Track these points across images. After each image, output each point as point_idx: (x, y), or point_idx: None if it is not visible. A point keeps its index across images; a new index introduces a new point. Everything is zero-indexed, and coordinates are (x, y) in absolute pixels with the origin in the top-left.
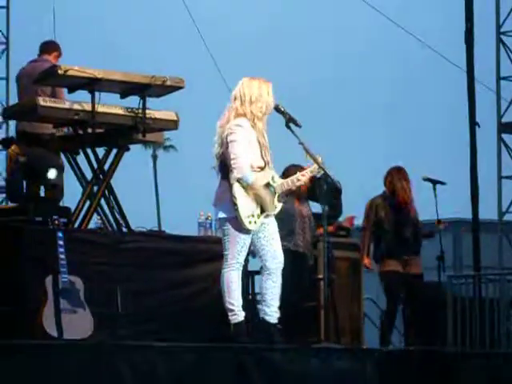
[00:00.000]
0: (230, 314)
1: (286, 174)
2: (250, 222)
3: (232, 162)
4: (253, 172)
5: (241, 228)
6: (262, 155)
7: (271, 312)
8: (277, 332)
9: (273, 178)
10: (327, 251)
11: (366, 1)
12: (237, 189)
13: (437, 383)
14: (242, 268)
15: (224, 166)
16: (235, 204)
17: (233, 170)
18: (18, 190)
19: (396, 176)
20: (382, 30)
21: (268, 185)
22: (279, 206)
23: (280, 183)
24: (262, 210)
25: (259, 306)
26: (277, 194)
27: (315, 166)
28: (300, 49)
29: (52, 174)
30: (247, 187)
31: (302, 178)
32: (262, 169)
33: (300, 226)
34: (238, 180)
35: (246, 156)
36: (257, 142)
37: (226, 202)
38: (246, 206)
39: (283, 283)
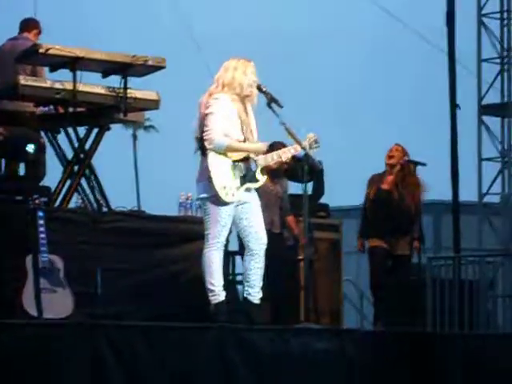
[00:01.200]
0: (210, 294)
1: (271, 150)
2: (226, 194)
3: (204, 134)
4: (227, 138)
5: (220, 206)
6: (242, 131)
7: (254, 292)
8: (259, 313)
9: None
10: (308, 232)
11: None
12: (211, 160)
13: (416, 364)
14: (223, 248)
15: (203, 144)
16: (209, 176)
17: (204, 141)
18: None
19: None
20: (361, 11)
21: (248, 158)
22: (263, 178)
23: (263, 156)
24: (243, 183)
25: (242, 287)
26: (259, 167)
27: (296, 145)
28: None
29: (30, 148)
30: (226, 152)
31: (283, 155)
32: (241, 142)
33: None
34: (213, 150)
35: (220, 126)
36: (238, 118)
37: (205, 181)
38: (221, 177)
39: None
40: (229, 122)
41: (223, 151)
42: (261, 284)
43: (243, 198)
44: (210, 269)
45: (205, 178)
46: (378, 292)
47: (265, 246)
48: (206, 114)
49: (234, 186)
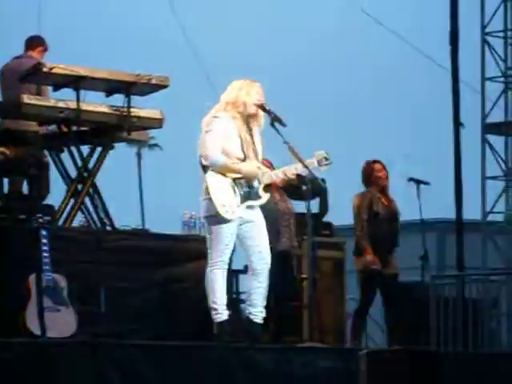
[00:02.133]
0: (213, 312)
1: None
2: (226, 212)
3: (201, 151)
4: (223, 156)
5: (222, 225)
6: (242, 149)
7: (256, 312)
8: (261, 332)
9: (259, 168)
10: (312, 251)
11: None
12: (210, 178)
13: (421, 383)
14: (226, 267)
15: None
16: (209, 194)
17: (201, 159)
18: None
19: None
20: (365, 30)
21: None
22: (265, 196)
23: (267, 174)
24: (244, 200)
25: (245, 306)
26: (262, 185)
27: (300, 164)
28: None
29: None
30: (221, 171)
31: (288, 172)
32: (241, 161)
33: (285, 223)
34: (210, 168)
35: (217, 144)
36: (237, 136)
37: (206, 199)
38: (220, 194)
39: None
40: (228, 140)
41: (218, 169)
42: (264, 303)
43: (246, 216)
44: (213, 288)
45: (206, 197)
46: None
47: (268, 266)
48: (206, 132)
49: (235, 204)
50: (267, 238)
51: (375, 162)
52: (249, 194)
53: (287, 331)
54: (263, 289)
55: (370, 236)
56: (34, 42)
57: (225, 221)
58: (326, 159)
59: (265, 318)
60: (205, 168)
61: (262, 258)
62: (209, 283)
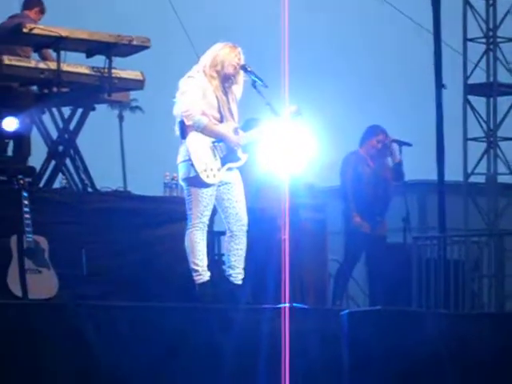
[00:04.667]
0: (194, 274)
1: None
2: (207, 176)
3: (182, 111)
4: (205, 117)
5: (202, 186)
6: (219, 109)
7: (235, 274)
8: (241, 293)
9: (236, 130)
10: (294, 212)
11: None
12: (191, 141)
13: (402, 342)
14: (206, 228)
15: (182, 123)
16: (190, 158)
17: (184, 118)
18: None
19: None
20: None
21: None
22: (244, 157)
23: (244, 135)
24: (224, 163)
25: (224, 267)
26: (240, 145)
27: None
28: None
29: (7, 124)
30: (202, 132)
31: (265, 130)
32: (218, 121)
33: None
34: (191, 127)
35: (198, 103)
36: (214, 97)
37: (186, 162)
38: (201, 158)
39: (251, 243)
40: (204, 99)
41: (200, 130)
42: (242, 265)
43: (225, 178)
44: (193, 249)
45: (185, 159)
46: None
47: (245, 228)
48: (182, 93)
49: (215, 167)
50: (244, 199)
51: (381, 131)
52: (228, 156)
53: (269, 292)
54: (241, 250)
55: (358, 197)
56: (31, 2)
57: (205, 184)
58: (298, 112)
59: (244, 279)
60: (183, 130)
61: (238, 220)
62: (189, 245)
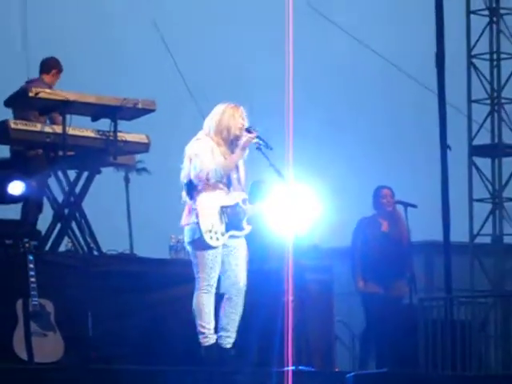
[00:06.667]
0: (201, 336)
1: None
2: (211, 238)
3: (197, 176)
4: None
5: (206, 248)
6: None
7: (225, 336)
8: (230, 357)
9: (244, 201)
10: (299, 273)
11: (335, 23)
12: (201, 202)
13: None
14: (214, 291)
15: (189, 187)
16: (196, 219)
17: (199, 179)
18: None
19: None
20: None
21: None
22: (248, 228)
23: (251, 207)
24: (229, 229)
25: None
26: (246, 216)
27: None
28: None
29: (14, 188)
30: (224, 170)
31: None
32: (226, 186)
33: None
34: (203, 187)
35: (210, 163)
36: (223, 160)
37: (191, 224)
38: (208, 219)
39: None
40: (214, 161)
41: (221, 174)
42: (234, 329)
43: (228, 243)
44: (200, 312)
45: (192, 221)
46: (371, 338)
47: (242, 292)
48: (194, 156)
49: (220, 231)
50: (245, 264)
51: (383, 187)
52: (232, 224)
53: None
54: (234, 314)
55: (366, 260)
56: (48, 64)
57: (209, 246)
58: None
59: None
60: (191, 191)
61: (235, 283)
62: (196, 307)
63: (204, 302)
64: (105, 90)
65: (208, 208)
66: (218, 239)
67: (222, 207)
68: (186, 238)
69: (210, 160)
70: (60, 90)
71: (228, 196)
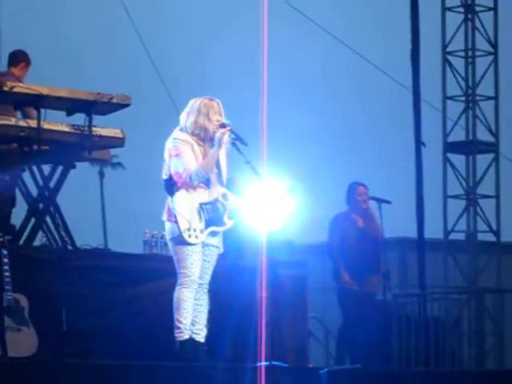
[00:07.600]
0: (176, 331)
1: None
2: (189, 236)
3: (181, 177)
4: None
5: (185, 244)
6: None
7: (196, 330)
8: (204, 352)
9: (225, 195)
10: (273, 268)
11: (312, 20)
12: (178, 200)
13: None
14: (195, 286)
15: (169, 183)
16: (175, 217)
17: (182, 180)
18: None
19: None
20: (328, 49)
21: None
22: (229, 223)
23: (234, 198)
24: (208, 226)
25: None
26: (227, 211)
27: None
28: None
29: None
30: (205, 169)
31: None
32: (205, 184)
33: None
34: (182, 185)
35: (193, 163)
36: (201, 158)
37: (171, 221)
38: (186, 218)
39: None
40: (196, 160)
41: (202, 175)
42: (204, 322)
43: (209, 241)
44: (179, 306)
45: (170, 218)
46: (348, 334)
47: (206, 289)
48: (176, 155)
49: (199, 228)
50: (214, 264)
51: (358, 184)
52: (213, 220)
53: (247, 350)
54: (202, 306)
55: (343, 255)
56: (16, 57)
57: (188, 243)
58: (292, 189)
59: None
60: (170, 188)
61: (201, 278)
62: (176, 301)
63: (183, 297)
64: (78, 83)
65: (186, 207)
66: (197, 237)
67: (201, 204)
68: (167, 234)
69: (191, 161)
70: (34, 85)
71: (207, 192)
